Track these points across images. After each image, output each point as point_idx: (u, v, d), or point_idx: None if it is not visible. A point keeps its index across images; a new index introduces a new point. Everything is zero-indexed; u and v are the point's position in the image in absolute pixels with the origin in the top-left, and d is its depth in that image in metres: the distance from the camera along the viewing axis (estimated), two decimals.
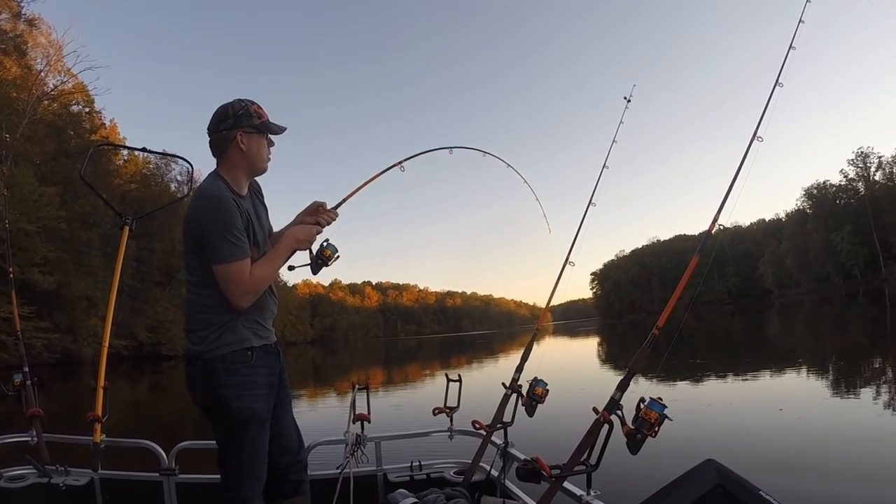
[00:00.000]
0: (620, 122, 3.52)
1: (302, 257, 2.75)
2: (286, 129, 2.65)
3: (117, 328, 48.35)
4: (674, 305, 2.46)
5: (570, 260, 3.39)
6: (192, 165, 4.39)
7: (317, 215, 2.75)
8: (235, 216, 2.37)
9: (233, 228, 2.34)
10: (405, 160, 3.35)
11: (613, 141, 3.51)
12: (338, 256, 2.80)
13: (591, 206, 3.42)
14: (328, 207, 2.80)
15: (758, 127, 2.52)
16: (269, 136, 2.61)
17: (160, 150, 4.59)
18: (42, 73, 51.63)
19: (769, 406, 8.70)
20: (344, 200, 2.96)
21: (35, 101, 48.54)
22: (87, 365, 39.51)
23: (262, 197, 2.73)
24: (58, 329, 42.00)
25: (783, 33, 2.83)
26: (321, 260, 2.77)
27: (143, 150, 4.04)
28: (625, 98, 3.51)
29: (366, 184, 3.18)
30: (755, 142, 2.50)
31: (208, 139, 2.54)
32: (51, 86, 52.86)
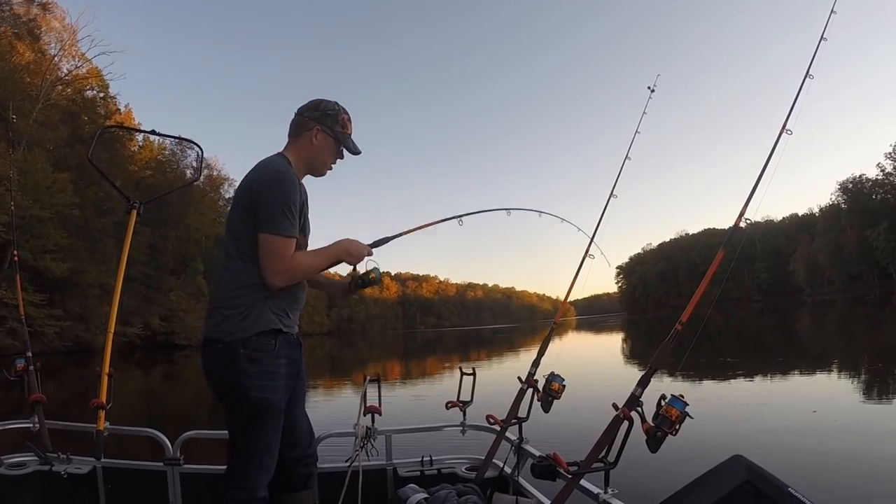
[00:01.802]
0: (644, 112, 3.47)
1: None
2: (360, 153, 2.78)
3: (129, 316, 48.93)
4: (698, 301, 2.45)
5: (590, 252, 3.38)
6: (201, 149, 4.42)
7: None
8: (296, 194, 2.44)
9: (291, 204, 2.40)
10: (465, 215, 3.35)
11: (636, 132, 3.46)
12: (378, 281, 2.78)
13: (612, 198, 3.40)
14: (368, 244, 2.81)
15: (787, 119, 2.48)
16: (343, 150, 2.73)
17: (168, 134, 4.62)
18: (56, 58, 52.35)
19: (802, 407, 8.57)
20: (394, 237, 2.97)
21: (48, 86, 49.11)
22: (99, 353, 39.34)
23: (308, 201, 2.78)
24: (70, 317, 42.57)
25: (815, 24, 2.80)
26: (362, 280, 2.75)
27: (152, 132, 4.06)
28: (648, 88, 3.46)
29: (418, 228, 3.19)
30: (784, 134, 2.47)
31: (294, 116, 2.69)
32: (65, 71, 53.60)
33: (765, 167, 2.40)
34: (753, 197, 2.38)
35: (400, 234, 3.02)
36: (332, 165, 2.75)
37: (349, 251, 2.63)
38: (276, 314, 2.45)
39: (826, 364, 14.53)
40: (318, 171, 2.73)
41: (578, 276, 3.44)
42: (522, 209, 3.62)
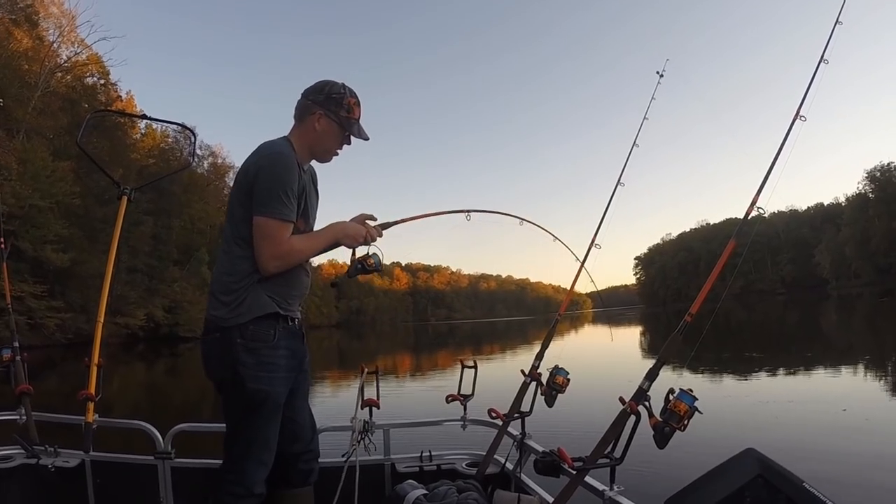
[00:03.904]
0: (652, 98, 3.46)
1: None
2: (367, 139, 2.72)
3: (132, 308, 49.24)
4: (708, 292, 2.44)
5: (595, 243, 3.37)
6: (195, 134, 4.47)
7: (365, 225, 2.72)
8: (294, 179, 2.44)
9: (287, 188, 2.40)
10: (474, 211, 3.32)
11: (644, 117, 3.46)
12: (379, 271, 2.75)
13: (619, 186, 3.39)
14: (376, 224, 2.77)
15: (801, 105, 2.47)
16: (350, 135, 2.69)
17: (160, 119, 4.62)
18: (54, 45, 52.44)
19: (831, 405, 8.50)
20: (395, 223, 2.93)
21: (48, 73, 49.26)
22: (100, 346, 39.81)
23: (317, 185, 2.77)
24: (71, 308, 42.68)
25: (830, 7, 2.77)
26: (361, 264, 2.71)
27: (143, 117, 4.11)
28: (657, 73, 3.46)
29: (423, 216, 3.19)
30: (798, 121, 2.46)
31: (299, 98, 2.67)
32: (64, 57, 53.74)
33: (777, 154, 2.40)
34: (766, 185, 2.37)
35: (404, 220, 3.01)
36: (339, 151, 2.72)
37: (346, 233, 2.61)
38: (273, 298, 2.45)
39: (855, 361, 14.34)
40: (322, 157, 2.70)
41: (583, 268, 3.44)
42: (535, 224, 3.57)
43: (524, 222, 3.54)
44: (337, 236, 2.60)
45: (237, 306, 2.39)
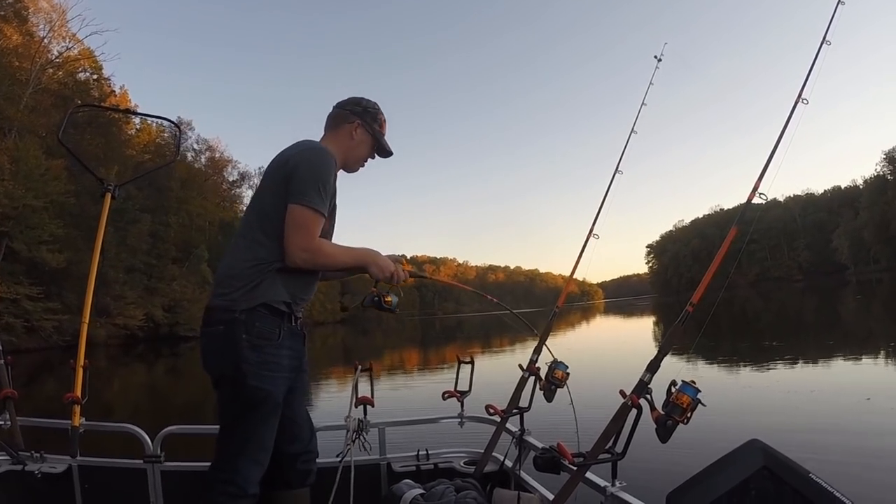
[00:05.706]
0: (650, 83, 3.47)
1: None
2: (392, 154, 2.94)
3: (131, 308, 49.40)
4: (712, 281, 2.45)
5: (594, 232, 3.36)
6: (179, 129, 4.51)
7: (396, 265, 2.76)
8: (332, 177, 2.55)
9: (326, 183, 2.48)
10: (491, 297, 3.76)
11: (643, 103, 3.46)
12: (392, 312, 2.78)
13: (617, 174, 3.41)
14: (407, 268, 2.81)
15: (802, 88, 2.47)
16: (376, 151, 2.88)
17: (145, 113, 4.64)
18: (45, 40, 52.40)
19: (854, 394, 8.42)
20: (423, 276, 3.12)
21: (39, 69, 49.33)
22: (99, 347, 39.98)
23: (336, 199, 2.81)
24: (68, 310, 42.64)
25: None
26: (378, 298, 2.74)
27: (129, 111, 4.14)
28: (655, 57, 3.46)
29: (450, 283, 3.94)
30: (800, 104, 2.46)
31: (332, 110, 2.85)
32: (55, 53, 53.80)
33: (779, 139, 2.40)
34: (768, 170, 2.37)
35: (432, 278, 3.36)
36: (364, 163, 2.86)
37: (377, 263, 2.65)
38: (287, 291, 2.47)
39: (878, 348, 14.23)
40: (352, 167, 2.83)
41: (582, 258, 3.44)
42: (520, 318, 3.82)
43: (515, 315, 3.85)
44: (366, 261, 2.64)
45: (252, 289, 2.40)
